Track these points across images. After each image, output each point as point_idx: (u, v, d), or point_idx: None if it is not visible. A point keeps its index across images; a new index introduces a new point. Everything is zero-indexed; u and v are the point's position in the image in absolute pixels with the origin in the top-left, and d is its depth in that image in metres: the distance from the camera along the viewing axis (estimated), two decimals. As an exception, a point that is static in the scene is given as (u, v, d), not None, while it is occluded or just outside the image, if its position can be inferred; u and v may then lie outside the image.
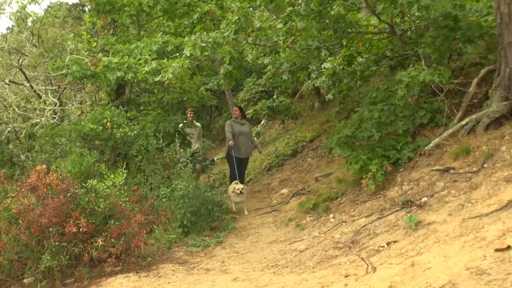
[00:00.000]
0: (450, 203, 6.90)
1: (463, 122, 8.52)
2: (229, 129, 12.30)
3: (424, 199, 7.44)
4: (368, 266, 5.88)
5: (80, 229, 7.60)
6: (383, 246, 6.57)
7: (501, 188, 6.40)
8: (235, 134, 12.27)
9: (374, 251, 6.54)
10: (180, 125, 13.00)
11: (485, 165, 7.36)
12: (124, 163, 10.04)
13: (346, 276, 6.00)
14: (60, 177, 8.34)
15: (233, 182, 11.53)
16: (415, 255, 5.69)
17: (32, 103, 12.13)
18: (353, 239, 7.39)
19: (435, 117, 9.23)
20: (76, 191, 8.13)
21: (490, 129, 8.21)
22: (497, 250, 4.72)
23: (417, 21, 9.38)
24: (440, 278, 4.76)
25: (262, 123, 19.84)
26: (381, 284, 5.24)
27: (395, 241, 6.59)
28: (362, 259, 6.08)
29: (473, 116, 8.48)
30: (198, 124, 14.25)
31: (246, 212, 11.31)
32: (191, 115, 13.77)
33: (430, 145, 8.61)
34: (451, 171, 7.77)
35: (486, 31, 9.00)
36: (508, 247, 4.67)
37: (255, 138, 13.57)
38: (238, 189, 10.92)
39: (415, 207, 7.33)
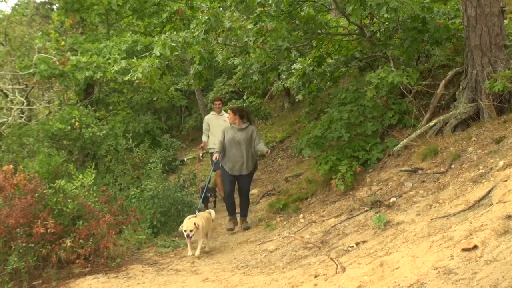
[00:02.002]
0: (418, 203, 6.97)
1: (431, 123, 8.63)
2: (222, 138, 9.68)
3: (393, 199, 7.50)
4: (337, 266, 5.90)
5: (48, 230, 7.52)
6: (352, 246, 6.61)
7: (468, 188, 6.49)
8: (226, 142, 9.51)
9: (343, 251, 6.58)
10: (207, 116, 11.85)
11: (453, 166, 7.46)
12: (93, 163, 9.92)
13: (315, 276, 6.02)
14: (28, 177, 8.23)
15: (187, 218, 8.33)
16: (384, 255, 5.73)
17: (-1, 102, 11.97)
18: (322, 239, 7.42)
19: (404, 118, 9.33)
20: (44, 191, 8.04)
21: (458, 130, 8.33)
22: (464, 249, 4.77)
23: (386, 23, 9.46)
24: (408, 277, 4.80)
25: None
26: (350, 284, 5.27)
27: (364, 241, 6.64)
28: (332, 259, 6.10)
29: (441, 117, 8.60)
30: (225, 114, 11.52)
31: (197, 252, 8.15)
32: (218, 105, 11.74)
33: (399, 146, 8.70)
34: (419, 171, 7.86)
35: (453, 34, 9.12)
36: (475, 247, 4.73)
37: (261, 142, 9.85)
38: (185, 231, 7.89)
39: (384, 207, 7.39)
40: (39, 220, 7.57)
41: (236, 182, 9.79)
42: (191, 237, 7.87)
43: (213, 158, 9.69)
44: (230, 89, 17.81)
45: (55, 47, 12.17)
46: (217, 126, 11.06)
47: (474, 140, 7.74)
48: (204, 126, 11.87)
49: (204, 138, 11.85)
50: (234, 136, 9.44)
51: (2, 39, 12.86)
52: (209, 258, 8.20)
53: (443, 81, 9.02)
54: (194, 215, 8.28)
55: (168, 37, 9.15)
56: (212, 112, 11.85)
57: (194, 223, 7.86)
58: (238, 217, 9.97)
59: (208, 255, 8.38)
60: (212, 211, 9.13)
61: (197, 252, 8.12)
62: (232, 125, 9.59)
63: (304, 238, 7.74)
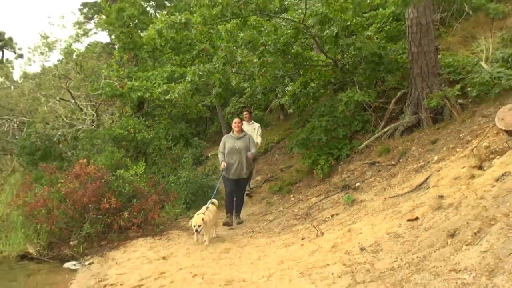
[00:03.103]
0: (375, 187, 6.98)
1: (385, 130, 8.63)
2: (222, 149, 8.01)
3: (358, 184, 7.51)
4: (318, 231, 5.91)
5: (111, 205, 7.61)
6: (329, 217, 6.61)
7: (411, 176, 6.49)
8: (227, 151, 7.93)
9: (322, 221, 6.58)
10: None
11: (401, 160, 7.45)
12: (143, 158, 10.01)
13: (302, 239, 6.03)
14: (97, 168, 8.31)
15: (196, 213, 6.87)
16: (351, 223, 5.73)
17: (76, 114, 11.99)
18: (307, 212, 7.43)
19: (365, 126, 9.32)
20: (108, 178, 8.13)
21: (404, 134, 8.32)
22: (408, 220, 4.78)
23: (353, 58, 9.44)
24: (368, 240, 4.81)
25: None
26: (327, 244, 5.28)
27: (337, 214, 6.64)
28: (314, 226, 6.11)
29: (392, 125, 8.60)
30: (256, 124, 10.44)
31: (206, 242, 6.81)
32: (246, 115, 10.37)
33: (362, 145, 8.70)
34: (377, 164, 7.86)
35: (401, 65, 9.11)
36: (417, 218, 4.73)
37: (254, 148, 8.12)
38: (194, 226, 6.58)
39: (351, 190, 7.39)
40: (105, 199, 7.66)
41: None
42: (199, 232, 6.59)
43: (222, 166, 7.81)
44: (241, 105, 17.74)
45: (116, 75, 12.16)
46: (247, 131, 9.24)
47: (416, 142, 7.73)
48: None
49: None
50: (234, 145, 7.87)
51: (78, 69, 12.89)
52: (226, 226, 8.20)
53: (394, 99, 9.00)
54: (203, 211, 6.88)
55: (196, 68, 9.16)
56: (244, 121, 9.79)
57: (202, 219, 6.55)
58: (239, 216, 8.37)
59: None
60: (215, 201, 7.68)
61: (206, 242, 6.79)
62: (231, 135, 8.07)
63: (294, 211, 7.74)
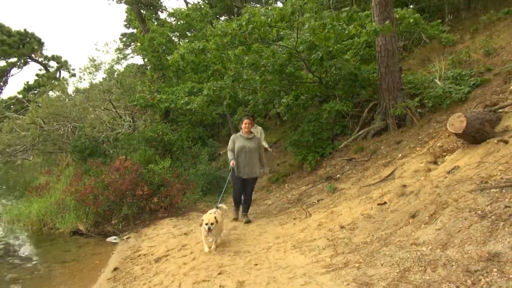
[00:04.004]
0: (352, 178, 6.95)
1: (359, 133, 8.61)
2: (231, 146, 6.51)
3: (338, 175, 7.49)
4: (306, 213, 5.90)
5: (144, 192, 7.60)
6: (315, 202, 6.60)
7: (381, 169, 6.47)
8: (237, 150, 6.43)
9: (310, 205, 6.56)
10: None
11: (372, 157, 7.43)
12: (169, 155, 10.02)
13: (294, 219, 6.01)
14: (133, 163, 8.31)
15: (208, 212, 5.30)
16: (333, 207, 5.72)
17: (116, 120, 12.00)
18: (298, 198, 7.41)
19: (344, 129, 9.30)
20: (142, 171, 8.12)
21: (375, 137, 8.30)
22: (378, 204, 4.76)
23: (334, 76, 9.42)
24: (347, 220, 4.79)
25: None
26: (314, 223, 5.26)
27: (322, 199, 6.62)
28: (303, 209, 6.10)
29: (365, 129, 8.58)
30: (259, 127, 8.89)
31: (213, 246, 5.10)
32: (249, 122, 8.07)
33: (341, 145, 8.67)
34: (353, 160, 7.84)
35: (372, 82, 9.09)
36: (385, 203, 4.72)
37: (263, 156, 6.96)
38: (206, 224, 4.96)
39: (333, 180, 7.37)
40: (139, 187, 7.66)
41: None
42: (212, 230, 4.99)
43: (231, 164, 6.31)
44: (246, 113, 17.77)
45: (148, 90, 12.17)
46: None
47: (384, 142, 7.71)
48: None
49: None
50: (244, 145, 6.44)
51: (118, 85, 12.90)
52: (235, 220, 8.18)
53: (367, 109, 8.98)
54: (214, 210, 5.43)
55: (211, 84, 9.16)
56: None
57: (215, 217, 5.08)
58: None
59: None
60: (224, 205, 6.38)
61: (213, 245, 5.12)
62: (240, 134, 6.60)
63: (288, 197, 7.73)
